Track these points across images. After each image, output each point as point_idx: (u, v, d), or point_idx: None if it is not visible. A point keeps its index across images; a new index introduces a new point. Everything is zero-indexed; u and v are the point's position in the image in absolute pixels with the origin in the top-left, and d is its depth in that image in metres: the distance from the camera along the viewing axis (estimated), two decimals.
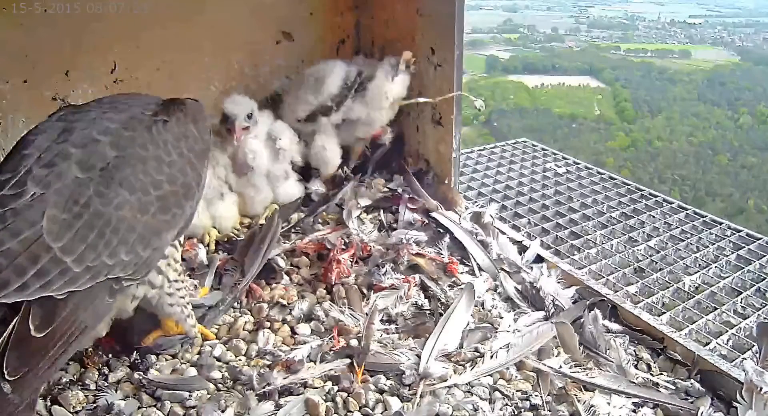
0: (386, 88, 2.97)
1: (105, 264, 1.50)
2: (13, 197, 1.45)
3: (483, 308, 2.19)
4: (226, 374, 1.88)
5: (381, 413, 1.75)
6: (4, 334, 1.35)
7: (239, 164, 2.70)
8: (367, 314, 2.08)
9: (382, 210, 2.83)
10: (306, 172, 3.05)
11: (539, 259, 2.54)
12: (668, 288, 2.72)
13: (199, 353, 2.00)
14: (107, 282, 1.52)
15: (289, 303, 2.20)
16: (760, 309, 2.57)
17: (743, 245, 3.11)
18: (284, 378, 1.79)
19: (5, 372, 1.32)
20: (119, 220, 1.54)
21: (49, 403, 1.74)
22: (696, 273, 2.85)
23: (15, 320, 1.37)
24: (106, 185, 1.53)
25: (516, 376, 1.90)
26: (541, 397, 1.81)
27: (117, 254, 1.52)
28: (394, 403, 1.75)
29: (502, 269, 2.42)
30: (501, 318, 2.12)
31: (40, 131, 1.65)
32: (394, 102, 3.04)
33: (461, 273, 2.38)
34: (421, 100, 3.01)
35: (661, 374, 1.96)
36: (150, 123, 1.71)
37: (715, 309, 2.55)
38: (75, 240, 1.45)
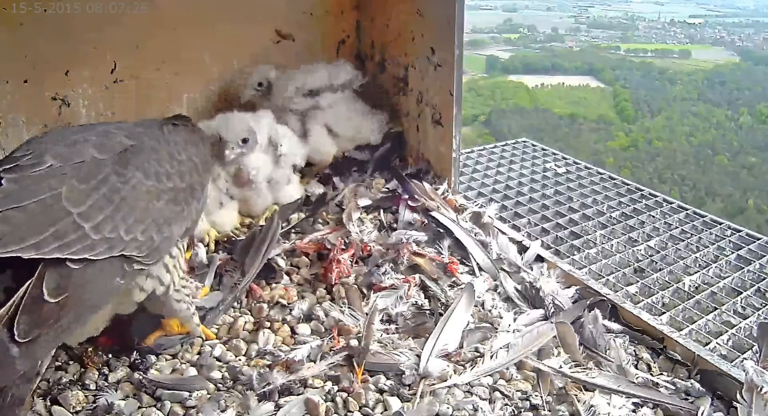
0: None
1: (121, 239, 1.51)
2: (31, 167, 1.47)
3: (483, 308, 2.19)
4: (226, 374, 1.88)
5: (381, 413, 1.74)
6: (17, 295, 1.33)
7: (241, 179, 2.67)
8: (367, 314, 2.08)
9: (382, 210, 2.83)
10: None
11: (539, 259, 2.53)
12: (668, 288, 2.72)
13: (199, 353, 2.00)
14: (120, 262, 1.52)
15: (289, 303, 2.19)
16: (760, 309, 2.57)
17: (743, 245, 3.11)
18: (284, 378, 1.79)
19: (16, 333, 1.29)
20: (135, 199, 1.57)
21: (49, 403, 1.74)
22: (696, 273, 2.85)
23: (29, 283, 1.35)
24: (123, 166, 1.59)
25: (516, 376, 1.90)
26: (541, 397, 1.81)
27: (132, 232, 1.54)
28: (394, 403, 1.75)
29: (502, 269, 2.42)
30: (501, 318, 2.12)
31: (54, 131, 1.77)
32: None
33: (461, 273, 2.38)
34: None
35: (661, 374, 1.96)
36: (161, 124, 1.83)
37: (715, 309, 2.55)
38: (94, 209, 1.47)
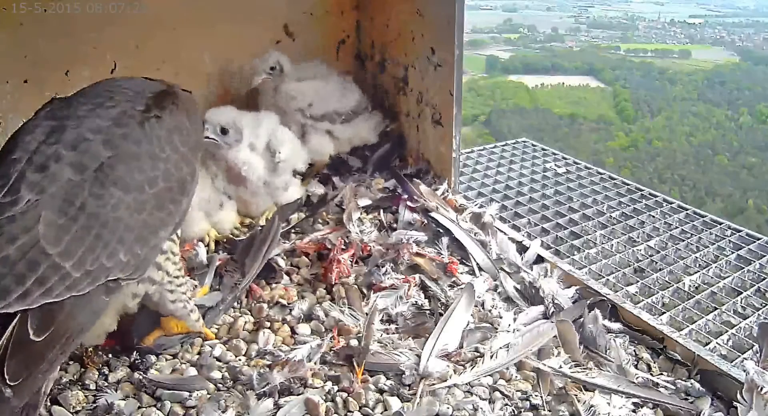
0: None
1: (104, 267, 1.48)
2: (9, 205, 1.43)
3: (483, 308, 2.19)
4: (226, 374, 1.88)
5: (381, 413, 1.75)
6: (3, 339, 1.34)
7: (233, 173, 2.65)
8: (367, 314, 2.08)
9: (382, 210, 2.83)
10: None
11: (539, 259, 2.53)
12: (668, 288, 2.72)
13: (199, 353, 2.00)
14: (104, 284, 1.51)
15: (289, 303, 2.20)
16: (760, 309, 2.57)
17: (743, 245, 3.11)
18: (284, 378, 1.79)
19: (6, 378, 1.31)
20: (116, 221, 1.51)
21: (49, 403, 1.74)
22: (696, 273, 2.85)
23: (13, 324, 1.35)
24: (100, 186, 1.51)
25: (516, 376, 1.90)
26: (541, 397, 1.81)
27: (115, 255, 1.50)
28: (394, 403, 1.75)
29: (502, 269, 2.42)
30: (501, 318, 2.12)
31: (28, 131, 1.61)
32: None
33: (461, 273, 2.38)
34: None
35: (661, 374, 1.96)
36: (142, 119, 1.66)
37: (715, 309, 2.55)
38: (73, 244, 1.43)
